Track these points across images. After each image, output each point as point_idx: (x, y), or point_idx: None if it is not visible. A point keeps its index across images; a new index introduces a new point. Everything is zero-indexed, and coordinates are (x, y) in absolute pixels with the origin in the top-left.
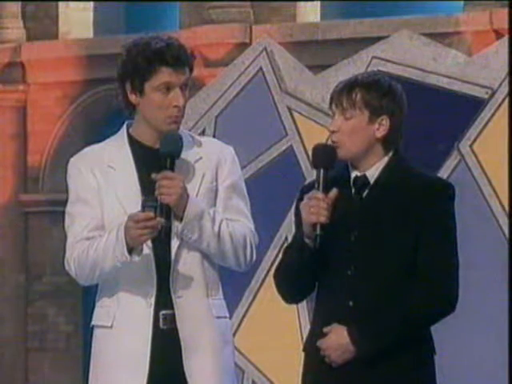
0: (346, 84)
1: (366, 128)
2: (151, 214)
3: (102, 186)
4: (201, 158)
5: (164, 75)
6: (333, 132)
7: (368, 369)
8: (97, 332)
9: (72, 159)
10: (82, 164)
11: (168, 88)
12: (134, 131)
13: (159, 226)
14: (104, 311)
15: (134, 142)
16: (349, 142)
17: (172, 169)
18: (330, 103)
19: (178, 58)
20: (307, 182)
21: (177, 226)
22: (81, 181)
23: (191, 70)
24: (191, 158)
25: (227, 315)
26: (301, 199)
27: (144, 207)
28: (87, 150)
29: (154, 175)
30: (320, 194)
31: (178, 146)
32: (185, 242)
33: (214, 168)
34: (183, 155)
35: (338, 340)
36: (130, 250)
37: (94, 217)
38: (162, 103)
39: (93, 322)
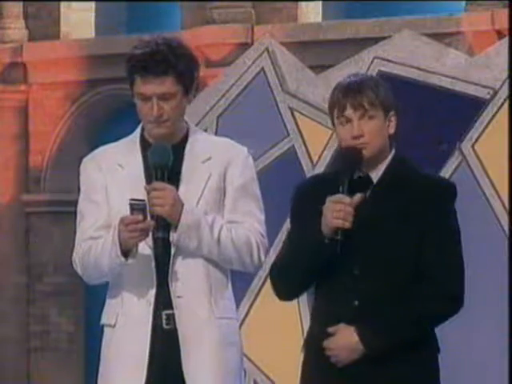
0: (353, 86)
1: (384, 126)
2: (140, 217)
3: (109, 185)
4: (210, 158)
5: (137, 85)
6: (356, 137)
7: (372, 368)
8: (104, 331)
9: (84, 158)
10: (93, 163)
11: (145, 98)
12: (145, 131)
13: (150, 228)
14: (109, 310)
15: (144, 142)
16: (374, 142)
17: (163, 179)
18: (338, 109)
19: (145, 68)
20: (303, 181)
21: (173, 235)
22: (90, 180)
23: (182, 78)
24: (200, 158)
25: (233, 316)
26: (297, 198)
27: (132, 210)
28: (100, 149)
29: (145, 186)
30: (347, 199)
31: (166, 157)
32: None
33: (222, 169)
34: (192, 154)
35: (346, 339)
36: (127, 252)
37: (100, 216)
38: (141, 110)
39: (101, 321)
